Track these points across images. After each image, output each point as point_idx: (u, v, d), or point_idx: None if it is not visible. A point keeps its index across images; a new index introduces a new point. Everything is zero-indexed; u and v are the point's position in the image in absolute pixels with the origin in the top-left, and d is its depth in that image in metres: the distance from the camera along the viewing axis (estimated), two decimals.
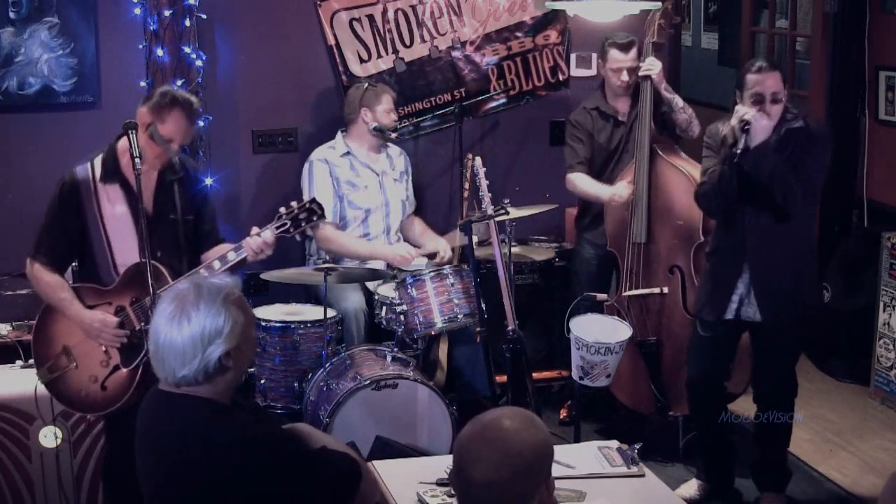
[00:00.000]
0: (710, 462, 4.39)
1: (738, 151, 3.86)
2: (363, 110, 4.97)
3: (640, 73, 4.76)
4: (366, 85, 5.06)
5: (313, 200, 3.81)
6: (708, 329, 4.19)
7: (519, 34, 5.63)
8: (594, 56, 5.68)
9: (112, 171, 3.70)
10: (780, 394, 4.23)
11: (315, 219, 3.80)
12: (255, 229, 3.78)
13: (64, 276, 3.76)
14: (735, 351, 4.30)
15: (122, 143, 3.71)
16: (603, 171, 4.95)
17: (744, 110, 3.91)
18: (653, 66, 4.73)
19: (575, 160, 4.94)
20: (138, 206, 3.60)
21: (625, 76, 4.86)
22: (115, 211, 3.69)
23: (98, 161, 3.73)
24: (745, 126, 3.86)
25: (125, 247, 3.68)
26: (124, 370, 3.64)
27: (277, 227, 3.77)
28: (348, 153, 5.02)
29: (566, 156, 5.01)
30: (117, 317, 3.66)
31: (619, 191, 4.74)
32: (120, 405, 3.65)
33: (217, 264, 3.71)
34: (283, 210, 3.78)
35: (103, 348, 3.67)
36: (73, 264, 3.88)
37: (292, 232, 3.80)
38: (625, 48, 4.85)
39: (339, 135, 5.08)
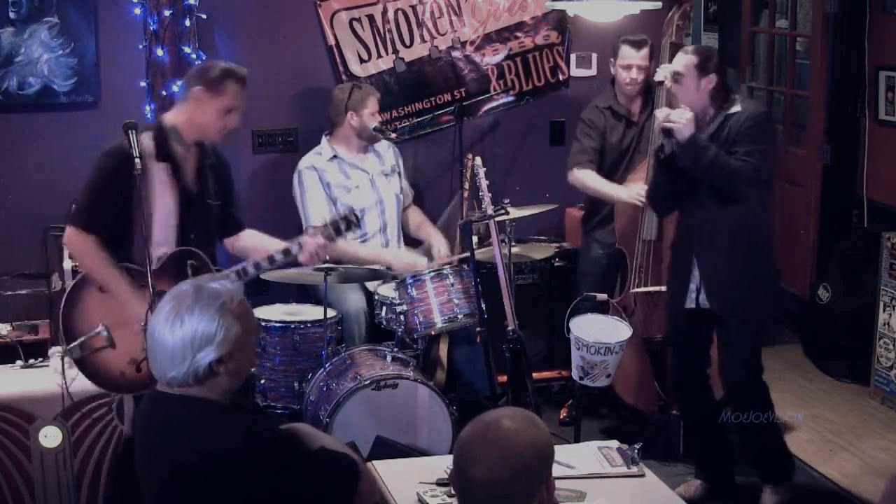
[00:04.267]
0: (707, 461, 4.39)
1: (666, 155, 3.98)
2: (349, 114, 4.95)
3: (656, 79, 4.75)
4: (350, 86, 5.02)
5: (352, 211, 3.97)
6: (676, 322, 4.24)
7: (519, 34, 5.63)
8: (594, 56, 5.69)
9: (165, 150, 3.68)
10: (746, 384, 4.15)
11: (353, 228, 3.97)
12: (310, 230, 3.93)
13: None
14: (711, 342, 4.30)
15: (169, 118, 3.77)
16: (615, 170, 4.92)
17: (661, 115, 4.01)
18: (667, 74, 4.71)
19: (584, 157, 4.90)
20: (183, 187, 3.67)
21: (633, 73, 4.84)
22: (162, 188, 3.65)
23: (147, 137, 3.65)
24: (666, 131, 3.97)
25: (164, 226, 3.66)
26: None
27: (324, 234, 3.90)
28: (335, 157, 5.00)
29: (573, 152, 4.95)
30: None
31: (636, 193, 4.68)
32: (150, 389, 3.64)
33: (265, 264, 3.81)
34: (324, 220, 3.96)
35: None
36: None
37: (334, 239, 3.95)
38: (636, 45, 4.82)
39: (324, 139, 5.05)
